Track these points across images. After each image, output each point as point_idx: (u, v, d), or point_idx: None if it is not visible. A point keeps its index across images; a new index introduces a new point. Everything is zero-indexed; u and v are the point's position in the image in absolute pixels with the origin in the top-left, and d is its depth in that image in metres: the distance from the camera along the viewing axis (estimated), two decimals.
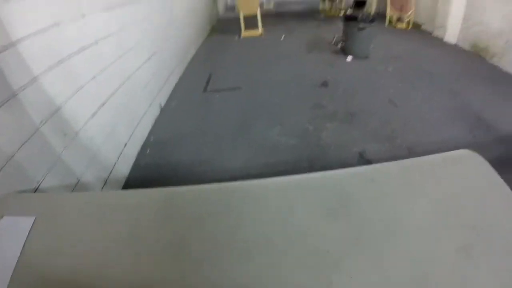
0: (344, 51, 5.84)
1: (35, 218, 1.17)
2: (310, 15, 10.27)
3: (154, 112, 3.86)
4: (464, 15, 6.34)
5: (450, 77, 4.65)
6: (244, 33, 7.74)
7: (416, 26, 7.85)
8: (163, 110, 4.09)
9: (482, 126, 3.22)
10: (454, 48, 6.21)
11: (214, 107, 4.14)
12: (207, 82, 5.02)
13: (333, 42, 6.51)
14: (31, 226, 1.14)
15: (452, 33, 6.60)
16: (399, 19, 8.25)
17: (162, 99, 4.22)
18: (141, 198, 1.26)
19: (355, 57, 5.60)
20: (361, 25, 5.28)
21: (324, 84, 4.61)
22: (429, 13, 7.47)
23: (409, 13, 7.81)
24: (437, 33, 7.03)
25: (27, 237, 1.10)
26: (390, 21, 8.39)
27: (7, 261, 1.03)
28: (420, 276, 0.85)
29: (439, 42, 6.56)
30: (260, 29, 7.75)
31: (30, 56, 1.73)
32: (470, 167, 1.21)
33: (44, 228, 1.14)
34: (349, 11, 6.11)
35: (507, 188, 1.09)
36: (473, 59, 5.49)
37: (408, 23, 7.94)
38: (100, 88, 2.55)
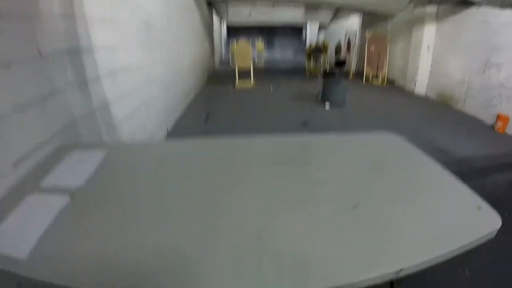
0: (323, 101, 6.82)
1: (107, 152, 1.68)
2: (296, 72, 11.60)
3: (162, 134, 4.62)
4: (430, 69, 7.58)
5: (416, 121, 5.63)
6: (238, 84, 8.79)
7: (390, 82, 9.08)
8: (169, 134, 4.84)
9: (441, 153, 4.06)
10: (423, 99, 7.33)
11: (212, 135, 4.88)
12: (207, 117, 5.81)
13: (316, 95, 7.54)
14: (103, 157, 1.63)
15: (421, 85, 7.80)
16: (376, 76, 9.49)
17: (169, 125, 5.00)
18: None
19: (333, 105, 6.58)
20: (337, 78, 6.34)
21: (305, 123, 5.46)
22: (401, 70, 8.77)
23: (383, 71, 9.09)
24: (408, 86, 8.22)
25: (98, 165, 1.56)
26: (367, 79, 9.64)
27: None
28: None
29: (410, 94, 7.72)
30: (252, 81, 8.83)
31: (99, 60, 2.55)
32: (389, 140, 1.85)
33: (112, 161, 1.62)
34: (329, 69, 7.25)
35: (421, 153, 1.63)
36: (439, 107, 6.58)
37: (383, 79, 9.17)
38: (131, 101, 3.35)
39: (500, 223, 1.03)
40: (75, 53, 2.24)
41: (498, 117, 5.09)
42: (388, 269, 0.88)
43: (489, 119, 5.46)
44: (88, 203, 1.29)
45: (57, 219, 1.16)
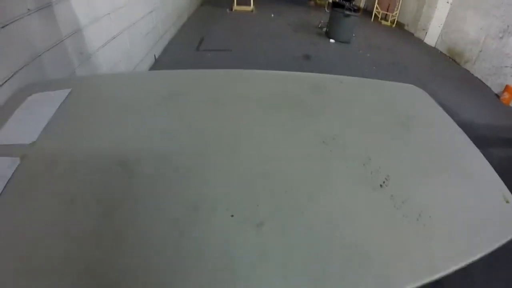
0: (328, 34, 6.30)
1: (71, 90, 1.34)
2: (300, 1, 10.66)
3: (149, 62, 4.18)
4: (445, 21, 6.95)
5: (421, 71, 5.28)
6: (236, 7, 8.00)
7: (400, 26, 8.42)
8: (157, 62, 4.40)
9: (445, 111, 3.80)
10: (432, 50, 6.84)
11: (205, 64, 4.50)
12: (200, 43, 5.34)
13: (319, 26, 6.95)
14: (66, 96, 1.31)
15: (432, 36, 7.22)
16: (385, 17, 8.79)
17: (157, 52, 4.53)
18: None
19: (338, 41, 6.08)
20: (347, 12, 5.74)
21: (306, 57, 5.06)
22: (414, 15, 8.06)
23: (394, 12, 8.37)
24: (418, 34, 7.63)
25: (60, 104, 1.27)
26: (376, 18, 8.92)
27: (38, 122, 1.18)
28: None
29: (419, 43, 7.18)
30: (251, 6, 8.04)
31: None
32: (415, 95, 1.62)
33: (78, 98, 1.32)
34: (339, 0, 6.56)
35: (440, 109, 1.49)
36: (447, 61, 6.16)
37: (392, 21, 8.50)
38: (111, 25, 2.88)
39: None
40: None
41: (506, 88, 4.77)
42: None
43: (495, 88, 5.13)
44: (35, 168, 1.00)
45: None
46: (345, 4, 5.92)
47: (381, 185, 0.96)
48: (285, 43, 5.74)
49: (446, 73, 5.45)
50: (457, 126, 1.40)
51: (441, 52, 6.65)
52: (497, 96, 4.93)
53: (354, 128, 1.23)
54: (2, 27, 1.51)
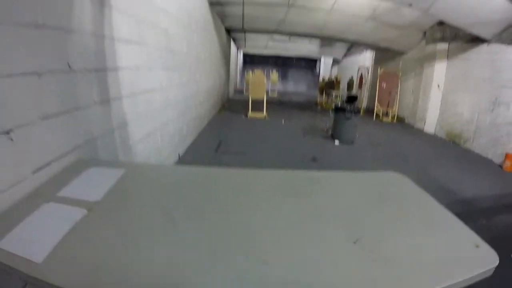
0: (333, 137, 6.86)
1: (126, 171, 1.76)
2: (308, 105, 11.78)
3: (174, 159, 4.64)
4: (440, 108, 7.64)
5: (422, 158, 5.63)
6: (251, 114, 8.94)
7: (401, 120, 9.14)
8: (180, 160, 4.86)
9: (445, 193, 4.03)
10: (432, 137, 7.33)
11: (223, 164, 4.91)
12: (218, 146, 5.88)
13: (325, 129, 7.60)
14: (121, 175, 1.69)
15: (430, 124, 7.84)
16: (386, 114, 9.57)
17: (181, 151, 5.03)
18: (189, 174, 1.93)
19: (342, 142, 6.60)
20: (348, 115, 6.39)
21: (314, 159, 5.46)
22: (411, 108, 8.87)
23: (394, 108, 9.16)
24: (418, 125, 8.27)
25: (118, 179, 1.64)
26: (377, 116, 9.70)
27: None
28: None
29: (419, 133, 7.74)
30: (265, 112, 8.95)
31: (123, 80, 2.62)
32: (393, 178, 1.89)
33: (130, 178, 1.71)
34: (341, 105, 7.34)
35: (422, 192, 1.68)
36: (447, 145, 6.58)
37: (393, 117, 9.24)
38: (149, 123, 3.40)
39: (498, 262, 1.04)
40: (102, 71, 2.32)
41: (506, 156, 5.05)
42: None
43: (497, 158, 5.43)
44: (104, 216, 1.33)
45: (73, 229, 1.19)
46: (346, 107, 6.60)
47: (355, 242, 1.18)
48: (294, 147, 6.22)
49: (447, 156, 5.78)
50: (431, 197, 1.62)
51: (440, 138, 7.12)
52: (500, 166, 5.13)
53: (340, 205, 1.52)
54: (76, 108, 1.94)
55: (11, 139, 1.42)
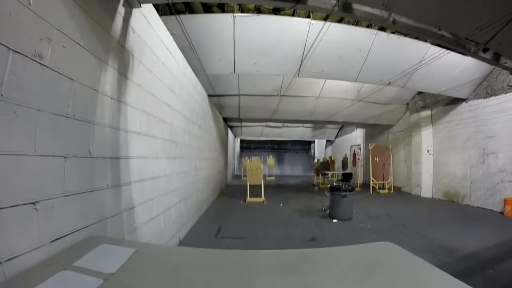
0: (331, 215, 6.96)
1: (136, 250, 1.95)
2: (305, 187, 11.97)
3: (175, 242, 4.70)
4: (433, 171, 7.88)
5: (421, 224, 5.71)
6: (249, 199, 9.09)
7: (397, 189, 9.31)
8: (180, 243, 4.90)
9: (446, 252, 4.04)
10: (430, 201, 7.45)
11: (223, 248, 4.92)
12: (218, 231, 5.92)
13: (323, 209, 7.72)
14: (132, 253, 1.87)
15: (426, 188, 8.04)
16: (382, 186, 9.77)
17: (181, 235, 5.10)
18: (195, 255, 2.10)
19: (340, 219, 6.68)
20: (343, 193, 6.60)
21: (312, 239, 5.50)
22: (406, 176, 9.16)
23: (389, 180, 9.39)
24: (414, 191, 8.45)
25: (130, 256, 1.80)
26: (374, 189, 9.88)
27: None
28: None
29: (417, 199, 7.86)
30: (263, 197, 9.13)
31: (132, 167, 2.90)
32: (385, 248, 2.06)
33: (140, 258, 1.85)
34: (336, 183, 7.60)
35: (414, 257, 1.83)
36: (446, 205, 6.70)
37: (389, 188, 9.42)
38: (153, 208, 3.60)
39: None
40: (115, 159, 2.62)
41: (505, 202, 5.14)
42: None
43: (497, 206, 5.52)
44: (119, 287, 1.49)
45: None
46: (340, 186, 6.83)
47: None
48: (292, 229, 6.23)
49: (446, 216, 5.88)
50: (423, 261, 1.77)
51: (439, 200, 7.22)
52: (501, 213, 5.15)
53: (330, 281, 1.64)
54: (92, 190, 2.19)
55: (36, 209, 1.65)
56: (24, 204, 1.58)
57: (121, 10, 2.72)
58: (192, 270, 1.76)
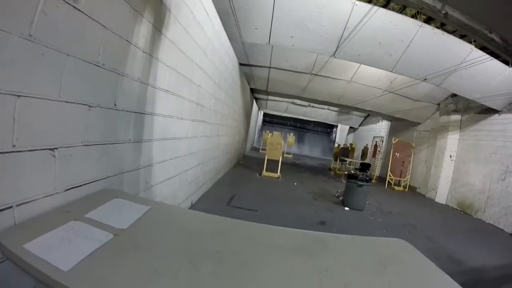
0: (343, 203, 6.88)
1: (150, 208, 1.91)
2: (321, 170, 11.86)
3: (187, 205, 4.76)
4: (452, 178, 7.65)
5: (431, 228, 5.58)
6: (265, 173, 9.10)
7: (412, 189, 9.11)
8: (192, 207, 4.96)
9: (453, 262, 3.96)
10: (443, 207, 7.25)
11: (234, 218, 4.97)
12: (230, 199, 5.97)
13: (336, 195, 7.63)
14: (146, 210, 1.87)
15: (442, 194, 7.81)
16: (398, 183, 9.57)
17: (194, 199, 5.16)
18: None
19: (352, 208, 6.60)
20: (360, 182, 6.47)
21: (322, 223, 5.47)
22: (424, 178, 8.89)
23: (406, 177, 9.18)
24: (429, 195, 8.23)
25: (144, 213, 1.81)
26: (389, 184, 9.70)
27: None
28: None
29: (430, 202, 7.67)
30: (278, 173, 9.11)
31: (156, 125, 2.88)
32: (398, 245, 1.97)
33: (154, 216, 1.84)
34: (354, 171, 7.45)
35: (427, 260, 1.76)
36: (458, 215, 6.51)
37: (405, 186, 9.22)
38: (171, 168, 3.61)
39: None
40: (140, 114, 2.59)
41: None
42: None
43: (509, 227, 5.34)
44: (129, 244, 1.47)
45: (98, 249, 1.33)
46: (358, 175, 6.70)
47: None
48: (304, 210, 6.22)
49: (457, 227, 5.72)
50: (434, 265, 1.70)
51: (452, 208, 7.04)
52: (511, 235, 5.02)
53: (343, 268, 1.59)
54: (113, 143, 2.17)
55: (54, 156, 1.63)
56: (43, 149, 1.56)
57: None
58: (204, 236, 1.73)
